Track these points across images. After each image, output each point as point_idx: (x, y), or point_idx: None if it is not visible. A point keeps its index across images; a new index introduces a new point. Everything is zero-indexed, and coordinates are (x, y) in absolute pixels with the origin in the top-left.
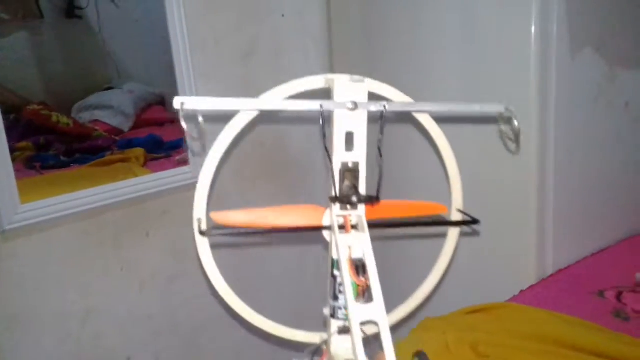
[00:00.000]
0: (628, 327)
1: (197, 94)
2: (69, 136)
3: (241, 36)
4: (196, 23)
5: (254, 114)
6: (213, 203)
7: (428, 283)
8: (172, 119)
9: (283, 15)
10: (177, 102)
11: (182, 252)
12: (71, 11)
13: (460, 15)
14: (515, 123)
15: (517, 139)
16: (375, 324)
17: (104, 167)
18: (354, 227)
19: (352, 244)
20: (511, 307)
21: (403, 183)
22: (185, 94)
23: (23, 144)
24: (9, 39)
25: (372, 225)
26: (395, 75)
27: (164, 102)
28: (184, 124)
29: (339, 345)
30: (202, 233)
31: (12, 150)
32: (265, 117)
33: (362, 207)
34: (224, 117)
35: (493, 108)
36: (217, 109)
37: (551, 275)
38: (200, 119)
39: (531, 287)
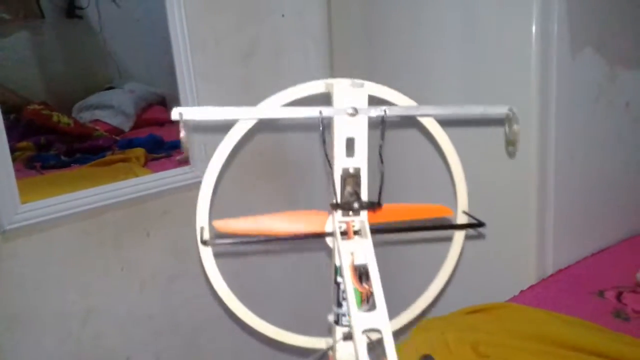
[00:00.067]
0: (628, 327)
1: (198, 94)
2: (70, 136)
3: (241, 36)
4: (196, 23)
5: (253, 121)
6: (213, 204)
7: (433, 287)
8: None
9: (283, 16)
10: (175, 113)
11: (183, 252)
12: (72, 11)
13: (461, 14)
14: (515, 127)
15: (514, 141)
16: (378, 331)
17: (105, 167)
18: (356, 232)
19: (355, 250)
20: (511, 307)
21: (403, 185)
22: (185, 94)
23: (23, 143)
24: (10, 39)
25: (377, 230)
26: (396, 75)
27: (164, 102)
28: (183, 134)
29: (344, 351)
30: (204, 242)
31: (13, 150)
32: (265, 124)
33: (364, 213)
34: (225, 124)
35: (496, 110)
36: (215, 119)
37: (551, 275)
38: (183, 133)
39: (531, 287)
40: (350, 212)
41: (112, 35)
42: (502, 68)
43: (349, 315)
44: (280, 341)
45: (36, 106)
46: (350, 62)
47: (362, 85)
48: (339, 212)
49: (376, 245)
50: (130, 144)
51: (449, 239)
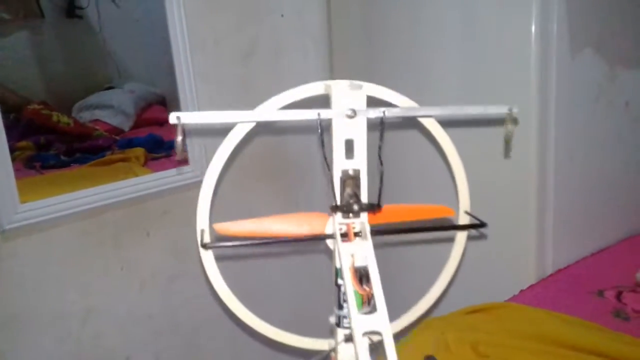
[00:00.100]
0: (628, 326)
1: (197, 94)
2: (69, 136)
3: (241, 36)
4: (196, 23)
5: (252, 124)
6: (213, 206)
7: (436, 288)
8: None
9: (282, 15)
10: (173, 118)
11: (183, 252)
12: (72, 11)
13: (461, 14)
14: (509, 127)
15: (508, 141)
16: (379, 334)
17: (104, 167)
18: (357, 234)
19: (355, 252)
20: (511, 306)
21: (403, 186)
22: (184, 94)
23: (23, 143)
24: (10, 39)
25: (379, 232)
26: (395, 74)
27: (164, 101)
28: (179, 139)
29: (346, 353)
30: (203, 246)
31: (13, 150)
32: (264, 127)
33: (364, 215)
34: (224, 126)
35: (496, 110)
36: (213, 122)
37: (551, 275)
38: (179, 138)
39: (531, 286)
40: (350, 214)
41: (111, 35)
42: (501, 68)
43: (349, 317)
44: (283, 343)
45: (36, 106)
46: (349, 61)
47: (360, 87)
48: (339, 214)
49: (376, 246)
50: (130, 144)
51: (450, 240)
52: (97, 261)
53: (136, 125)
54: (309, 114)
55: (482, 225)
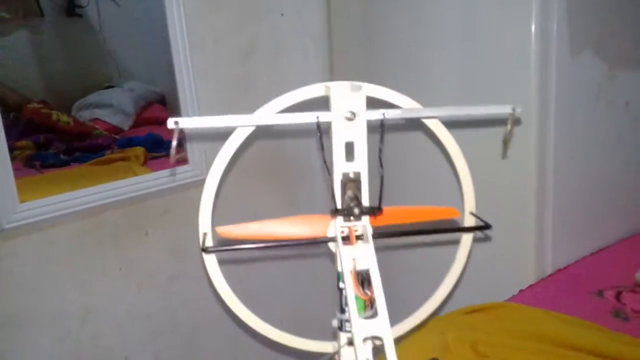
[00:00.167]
0: (627, 326)
1: (197, 93)
2: (69, 135)
3: (240, 35)
4: (195, 22)
5: (252, 128)
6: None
7: (441, 291)
8: (173, 117)
9: (282, 15)
10: (171, 122)
11: (182, 252)
12: (71, 10)
13: (460, 13)
14: (508, 127)
15: (506, 141)
16: (380, 339)
17: (104, 166)
18: (359, 237)
19: (357, 255)
20: (510, 306)
21: (405, 188)
22: (184, 93)
23: (23, 142)
24: (10, 38)
25: (382, 234)
26: (395, 74)
27: (164, 100)
28: (174, 143)
29: (350, 355)
30: (204, 250)
31: (12, 149)
32: (264, 130)
33: (365, 218)
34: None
35: (500, 110)
36: (212, 127)
37: (550, 275)
38: (174, 142)
39: (530, 286)
40: (351, 218)
41: (111, 34)
42: (501, 68)
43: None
44: (286, 345)
45: (35, 105)
46: (349, 61)
47: (359, 88)
48: (340, 217)
49: (378, 249)
50: (129, 143)
51: (451, 242)
52: (96, 261)
53: (136, 124)
54: (308, 117)
55: (486, 227)
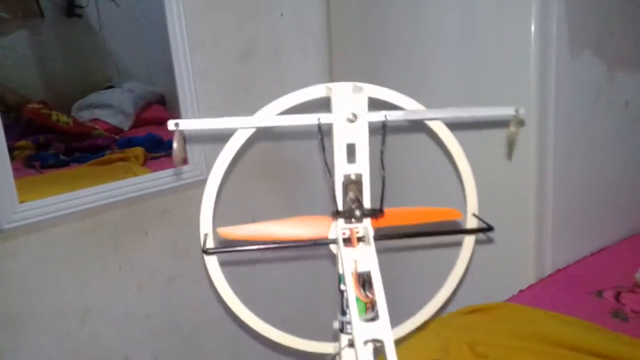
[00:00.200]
0: (627, 327)
1: (196, 93)
2: (69, 135)
3: (240, 35)
4: (195, 22)
5: (253, 130)
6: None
7: (443, 292)
8: (172, 118)
9: (282, 14)
10: (171, 124)
11: (182, 252)
12: (71, 10)
13: (460, 14)
14: (512, 128)
15: (511, 143)
16: (381, 342)
17: (104, 166)
18: (360, 239)
19: (358, 257)
20: (510, 307)
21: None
22: (184, 93)
23: (23, 142)
24: (10, 38)
25: (384, 236)
26: (395, 74)
27: (164, 101)
28: (175, 145)
29: (351, 357)
30: (205, 251)
31: (12, 149)
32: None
33: (367, 220)
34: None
35: (502, 111)
36: (212, 128)
37: (550, 275)
38: (175, 144)
39: (530, 287)
40: (353, 219)
41: (111, 34)
42: (501, 68)
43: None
44: (287, 346)
45: (35, 105)
46: (349, 61)
47: (361, 89)
48: (341, 219)
49: (380, 251)
50: (129, 143)
51: (452, 244)
52: (96, 261)
53: (135, 125)
54: (309, 119)
55: (489, 229)
